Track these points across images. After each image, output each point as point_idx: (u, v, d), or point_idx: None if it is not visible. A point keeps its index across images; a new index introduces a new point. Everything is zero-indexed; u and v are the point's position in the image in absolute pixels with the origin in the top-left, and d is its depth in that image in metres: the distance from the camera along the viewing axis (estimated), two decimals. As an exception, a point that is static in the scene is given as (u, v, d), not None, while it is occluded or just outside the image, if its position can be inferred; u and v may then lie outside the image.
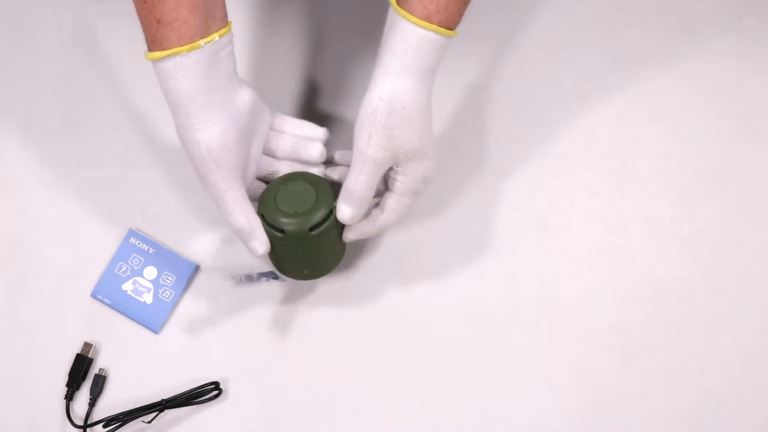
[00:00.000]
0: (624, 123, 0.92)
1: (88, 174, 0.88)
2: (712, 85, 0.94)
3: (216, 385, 0.81)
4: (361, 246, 0.86)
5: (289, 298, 0.85)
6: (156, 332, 0.83)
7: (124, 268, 0.85)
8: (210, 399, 0.81)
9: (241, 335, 0.84)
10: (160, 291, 0.84)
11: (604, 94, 0.93)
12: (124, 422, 0.79)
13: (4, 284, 0.85)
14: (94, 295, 0.84)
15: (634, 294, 0.86)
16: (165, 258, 0.85)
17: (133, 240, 0.85)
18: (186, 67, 0.71)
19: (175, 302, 0.84)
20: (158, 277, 0.85)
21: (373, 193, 0.77)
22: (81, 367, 0.81)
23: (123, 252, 0.85)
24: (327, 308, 0.85)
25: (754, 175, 0.91)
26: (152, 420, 0.80)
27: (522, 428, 0.82)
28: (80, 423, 0.80)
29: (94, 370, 0.82)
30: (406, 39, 0.73)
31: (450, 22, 0.73)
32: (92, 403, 0.81)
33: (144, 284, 0.84)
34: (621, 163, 0.91)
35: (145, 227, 0.87)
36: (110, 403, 0.81)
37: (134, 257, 0.85)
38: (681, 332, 0.85)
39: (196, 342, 0.84)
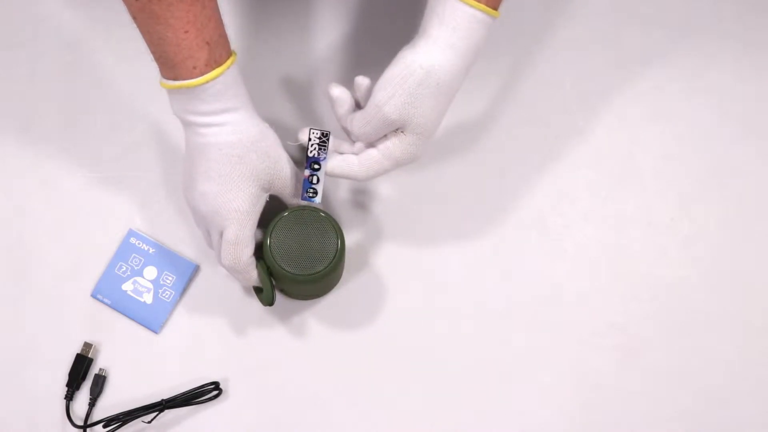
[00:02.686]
0: (624, 123, 0.92)
1: (88, 174, 0.88)
2: (712, 85, 0.94)
3: (216, 385, 0.81)
4: (362, 246, 0.86)
5: (289, 299, 0.85)
6: (156, 332, 0.83)
7: (124, 268, 0.85)
8: (210, 399, 0.81)
9: (241, 335, 0.84)
10: (160, 291, 0.84)
11: (604, 94, 0.93)
12: (124, 422, 0.79)
13: (4, 284, 0.84)
14: (94, 295, 0.84)
15: (634, 294, 0.86)
16: (165, 258, 0.85)
17: (133, 240, 0.85)
18: (238, 73, 0.74)
19: (175, 302, 0.84)
20: (158, 277, 0.85)
21: (376, 139, 0.77)
22: (81, 367, 0.81)
23: (123, 252, 0.85)
24: (327, 308, 0.85)
25: (754, 175, 0.91)
26: (152, 420, 0.80)
27: (522, 428, 0.82)
28: (80, 423, 0.80)
29: (94, 370, 0.82)
30: (456, 16, 0.73)
31: (495, 2, 0.73)
32: (92, 403, 0.81)
33: (144, 284, 0.84)
34: (621, 163, 0.91)
35: (145, 227, 0.87)
36: (110, 403, 0.81)
37: (134, 257, 0.85)
38: (681, 332, 0.85)
39: (196, 342, 0.84)
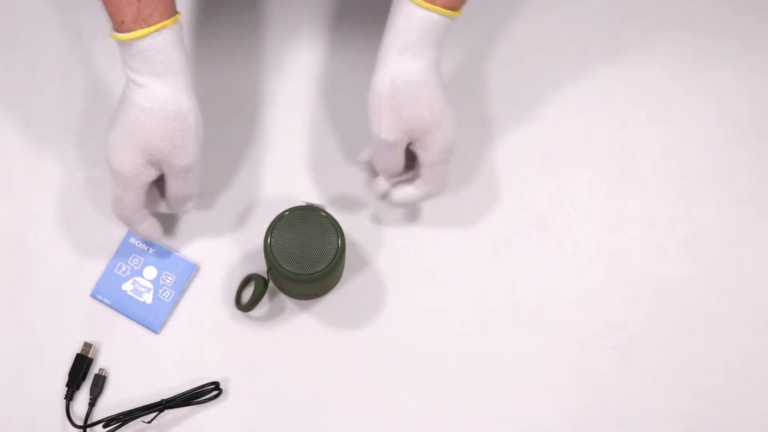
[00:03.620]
0: (624, 123, 0.92)
1: (88, 174, 0.88)
2: (712, 85, 0.94)
3: (216, 385, 0.81)
4: (362, 246, 0.86)
5: (289, 298, 0.85)
6: (156, 332, 0.83)
7: (124, 268, 0.85)
8: (210, 399, 0.81)
9: (241, 335, 0.84)
10: (159, 291, 0.84)
11: (604, 94, 0.93)
12: (124, 422, 0.79)
13: (4, 284, 0.84)
14: (94, 295, 0.84)
15: (634, 294, 0.86)
16: (165, 258, 0.85)
17: (132, 240, 0.85)
18: (174, 39, 0.73)
19: (175, 302, 0.84)
20: (158, 277, 0.85)
21: (401, 165, 0.79)
22: (81, 367, 0.81)
23: (123, 252, 0.85)
24: (327, 308, 0.85)
25: (754, 175, 0.91)
26: (152, 420, 0.80)
27: (522, 428, 0.82)
28: (80, 423, 0.80)
29: (94, 370, 0.82)
30: (410, 20, 0.74)
31: (454, 4, 0.74)
32: (92, 403, 0.81)
33: (144, 284, 0.84)
34: (621, 163, 0.91)
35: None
36: (110, 403, 0.81)
37: (134, 257, 0.85)
38: (681, 332, 0.85)
39: (196, 342, 0.84)
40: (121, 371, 0.82)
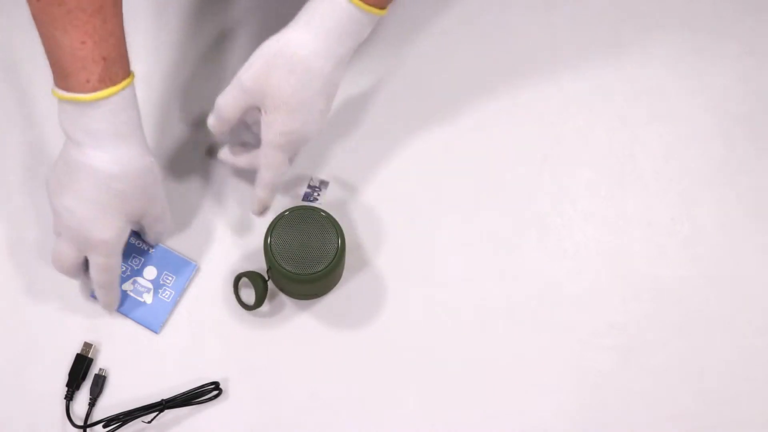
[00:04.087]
0: (624, 123, 0.92)
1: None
2: (712, 85, 0.94)
3: (216, 385, 0.81)
4: (361, 246, 0.86)
5: (289, 298, 0.85)
6: (156, 332, 0.83)
7: (124, 268, 0.84)
8: (210, 399, 0.81)
9: (241, 335, 0.84)
10: (159, 291, 0.84)
11: (604, 94, 0.93)
12: (124, 422, 0.79)
13: (4, 284, 0.84)
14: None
15: (634, 294, 0.86)
16: (165, 258, 0.85)
17: (133, 240, 0.85)
18: (133, 96, 0.74)
19: (175, 302, 0.84)
20: (158, 277, 0.85)
21: (234, 117, 0.78)
22: (81, 367, 0.81)
23: (124, 252, 0.85)
24: (327, 308, 0.85)
25: (754, 175, 0.91)
26: (152, 420, 0.80)
27: (522, 428, 0.82)
28: (80, 423, 0.80)
29: (94, 370, 0.82)
30: (320, 1, 0.74)
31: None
32: (92, 403, 0.81)
33: (144, 284, 0.84)
34: (621, 163, 0.91)
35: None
36: (110, 403, 0.81)
37: (134, 257, 0.85)
38: (681, 332, 0.85)
39: (196, 342, 0.84)
40: (121, 371, 0.82)
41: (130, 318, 0.84)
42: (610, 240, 0.88)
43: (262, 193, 0.81)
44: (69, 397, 0.81)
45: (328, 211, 0.80)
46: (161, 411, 0.80)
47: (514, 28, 0.96)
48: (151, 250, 0.85)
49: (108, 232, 0.75)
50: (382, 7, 0.75)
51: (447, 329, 0.85)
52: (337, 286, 0.85)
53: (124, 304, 0.84)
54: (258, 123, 0.78)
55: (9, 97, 0.91)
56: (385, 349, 0.84)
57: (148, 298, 0.84)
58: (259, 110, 0.77)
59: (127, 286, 0.84)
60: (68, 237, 0.76)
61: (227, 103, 0.77)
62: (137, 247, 0.85)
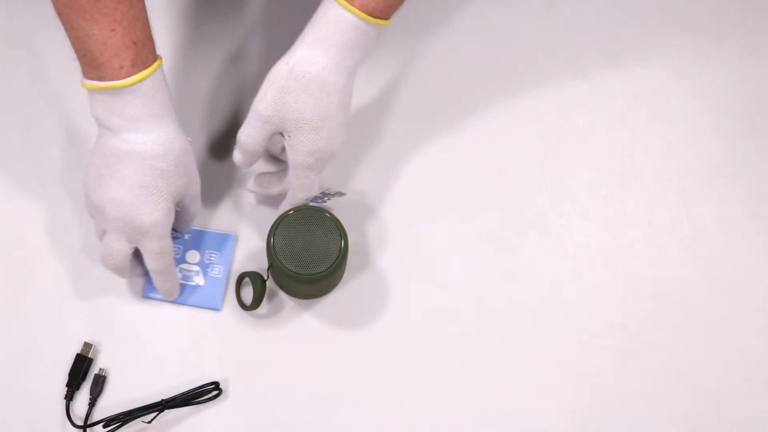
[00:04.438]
0: (624, 123, 0.92)
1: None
2: (712, 85, 0.94)
3: (216, 385, 0.81)
4: (363, 246, 0.86)
5: (289, 298, 0.85)
6: (218, 309, 0.83)
7: None
8: (210, 399, 0.81)
9: (241, 335, 0.84)
10: (208, 270, 0.84)
11: (604, 94, 0.93)
12: (124, 422, 0.79)
13: (4, 284, 0.84)
14: (145, 295, 0.83)
15: (634, 294, 0.86)
16: (202, 239, 0.85)
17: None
18: (163, 77, 0.74)
19: (228, 275, 0.84)
20: (202, 257, 0.84)
21: (260, 148, 0.78)
22: (81, 367, 0.81)
23: None
24: (327, 308, 0.85)
25: (754, 175, 0.91)
26: (152, 420, 0.80)
27: (522, 428, 0.82)
28: (80, 423, 0.80)
29: (94, 370, 0.82)
30: (327, 14, 0.74)
31: (373, 11, 0.74)
32: (92, 403, 0.81)
33: (191, 269, 0.84)
34: (621, 163, 0.91)
35: None
36: (110, 403, 0.81)
37: (173, 247, 0.85)
38: (681, 332, 0.85)
39: (196, 342, 0.84)
40: (121, 371, 0.82)
41: (189, 305, 0.84)
42: (610, 240, 0.88)
43: (284, 207, 0.82)
44: (69, 397, 0.81)
45: (331, 212, 0.80)
46: (161, 411, 0.80)
47: (514, 28, 0.96)
48: (187, 236, 0.85)
49: (157, 213, 0.75)
50: (387, 18, 0.75)
51: (447, 329, 0.85)
52: (339, 286, 0.85)
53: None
54: (281, 148, 0.79)
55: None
56: (386, 349, 0.84)
57: (199, 280, 0.84)
58: (282, 135, 0.77)
59: None
60: (117, 229, 0.76)
61: (249, 136, 0.77)
62: (172, 236, 0.85)
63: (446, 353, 0.84)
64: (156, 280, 0.80)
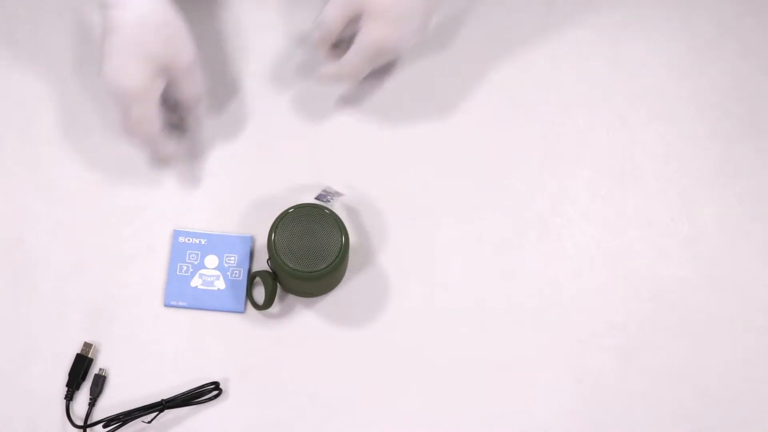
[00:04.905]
0: (624, 123, 0.92)
1: (88, 174, 0.88)
2: (712, 85, 0.94)
3: (216, 385, 0.81)
4: (364, 244, 0.86)
5: (289, 298, 0.85)
6: (242, 312, 0.83)
7: (185, 267, 0.84)
8: (210, 399, 0.81)
9: (241, 335, 0.84)
10: (228, 273, 0.84)
11: (604, 94, 0.93)
12: (124, 422, 0.79)
13: (4, 284, 0.84)
14: (167, 304, 0.84)
15: (634, 294, 0.86)
16: (219, 242, 0.85)
17: (182, 239, 0.85)
18: None
19: (247, 277, 0.84)
20: (221, 262, 0.85)
21: (339, 23, 0.83)
22: (81, 367, 0.81)
23: (177, 253, 0.85)
24: (328, 307, 0.85)
25: (754, 175, 0.91)
26: (152, 420, 0.80)
27: (522, 428, 0.82)
28: (80, 423, 0.80)
29: (94, 370, 0.82)
30: None
31: None
32: (92, 403, 0.81)
33: (211, 273, 0.84)
34: (621, 163, 0.91)
35: (185, 223, 0.87)
36: (110, 403, 0.81)
37: (190, 254, 0.85)
38: (681, 332, 0.85)
39: (196, 342, 0.84)
40: (121, 371, 0.82)
41: (212, 310, 0.84)
42: (610, 240, 0.88)
43: (330, 72, 0.85)
44: (69, 397, 0.81)
45: (332, 209, 0.80)
46: (161, 411, 0.80)
47: (514, 28, 0.96)
48: (203, 241, 0.85)
49: (134, 78, 0.78)
50: None
51: (447, 329, 0.85)
52: (339, 284, 0.85)
53: (200, 300, 0.84)
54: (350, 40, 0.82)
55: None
56: (386, 349, 0.84)
57: (220, 284, 0.84)
58: (357, 22, 0.80)
59: (196, 281, 0.84)
60: (114, 99, 0.79)
61: (332, 14, 0.82)
62: (188, 243, 0.85)
63: (446, 353, 0.84)
64: (150, 150, 0.84)
